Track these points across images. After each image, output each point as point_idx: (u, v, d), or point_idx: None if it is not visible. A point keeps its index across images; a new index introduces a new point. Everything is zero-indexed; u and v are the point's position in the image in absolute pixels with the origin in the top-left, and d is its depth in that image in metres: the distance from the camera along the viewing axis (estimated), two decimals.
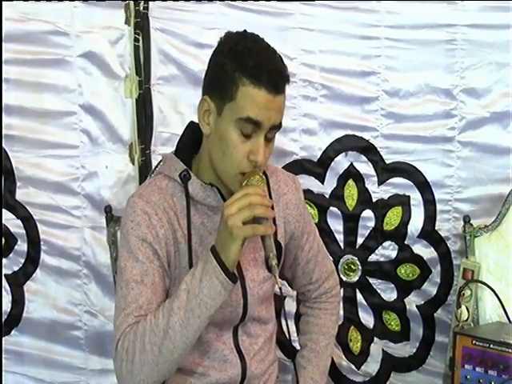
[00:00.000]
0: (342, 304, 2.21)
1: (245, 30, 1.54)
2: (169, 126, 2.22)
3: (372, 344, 2.26)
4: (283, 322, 2.01)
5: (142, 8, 2.17)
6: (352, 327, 2.26)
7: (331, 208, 2.22)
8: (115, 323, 1.51)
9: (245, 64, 1.46)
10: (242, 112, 1.46)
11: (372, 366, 2.26)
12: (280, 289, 1.46)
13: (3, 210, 2.25)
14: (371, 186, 2.19)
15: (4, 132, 2.21)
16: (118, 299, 1.52)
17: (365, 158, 2.18)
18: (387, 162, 2.17)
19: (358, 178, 2.19)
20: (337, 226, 2.23)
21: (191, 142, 1.62)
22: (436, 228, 2.17)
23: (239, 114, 1.46)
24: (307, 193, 2.16)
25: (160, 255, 1.53)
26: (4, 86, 2.18)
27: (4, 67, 2.17)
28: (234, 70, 1.46)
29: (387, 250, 2.21)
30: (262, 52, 1.50)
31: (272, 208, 1.47)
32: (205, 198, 1.56)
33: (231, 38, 1.52)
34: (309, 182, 2.20)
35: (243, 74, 1.45)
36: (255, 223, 1.41)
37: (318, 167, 2.21)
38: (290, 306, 2.17)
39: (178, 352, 1.46)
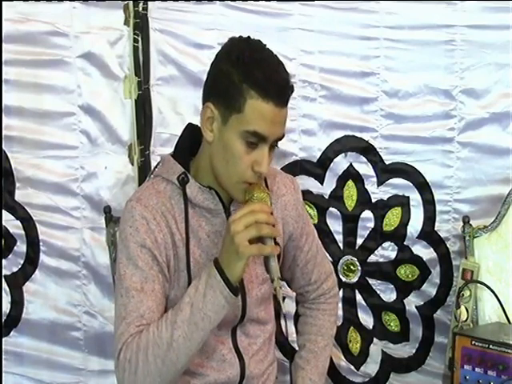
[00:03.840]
0: (341, 305, 2.22)
1: (249, 37, 1.51)
2: (168, 127, 2.22)
3: (371, 345, 2.26)
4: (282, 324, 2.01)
5: (141, 9, 2.17)
6: (351, 328, 2.26)
7: (331, 209, 2.22)
8: (116, 332, 1.51)
9: (253, 76, 1.44)
10: (249, 125, 1.45)
11: (371, 367, 2.26)
12: (284, 316, 1.50)
13: (2, 210, 2.25)
14: (371, 186, 2.19)
15: (3, 133, 2.21)
16: (119, 307, 1.52)
17: (364, 159, 2.18)
18: (386, 162, 2.17)
19: (358, 179, 2.19)
20: (336, 226, 2.23)
21: (189, 144, 1.61)
22: (435, 229, 2.17)
23: (246, 127, 1.45)
24: (307, 193, 2.16)
25: (159, 260, 1.53)
26: (3, 86, 2.18)
27: (3, 68, 2.17)
28: (241, 82, 1.44)
29: (387, 251, 2.21)
30: (269, 63, 1.48)
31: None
32: (203, 200, 1.56)
33: (236, 46, 1.50)
34: (308, 183, 2.21)
35: (251, 87, 1.43)
36: (259, 241, 1.43)
37: (317, 168, 2.21)
38: (290, 307, 2.17)
39: (181, 363, 1.47)
